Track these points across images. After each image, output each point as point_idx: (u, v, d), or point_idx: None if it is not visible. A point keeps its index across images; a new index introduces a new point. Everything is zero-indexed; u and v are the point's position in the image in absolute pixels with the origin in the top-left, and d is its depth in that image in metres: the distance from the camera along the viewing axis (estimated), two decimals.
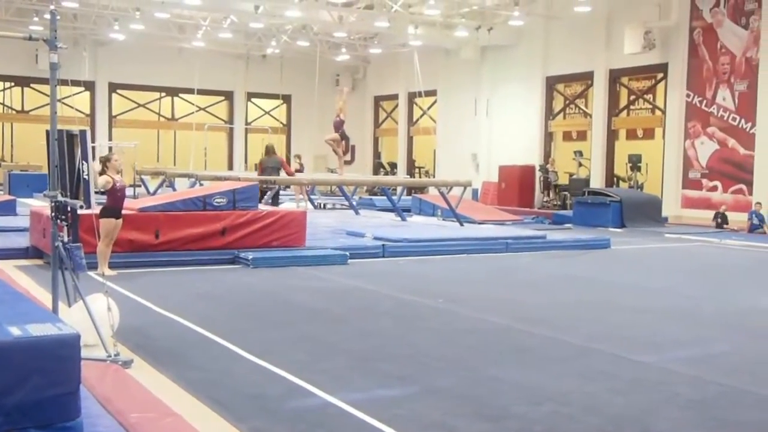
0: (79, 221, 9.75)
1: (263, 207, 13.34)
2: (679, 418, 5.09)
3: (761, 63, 20.77)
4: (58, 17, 6.27)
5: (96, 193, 7.30)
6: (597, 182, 24.80)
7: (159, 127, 33.97)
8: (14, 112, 31.35)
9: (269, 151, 18.12)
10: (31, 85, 30.33)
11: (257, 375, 5.87)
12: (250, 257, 11.51)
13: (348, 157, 30.68)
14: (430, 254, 13.55)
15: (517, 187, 26.59)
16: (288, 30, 28.76)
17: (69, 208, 6.25)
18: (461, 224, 16.90)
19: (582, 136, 27.10)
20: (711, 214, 21.15)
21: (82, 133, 6.65)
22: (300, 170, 22.38)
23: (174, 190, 20.21)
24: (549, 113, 27.43)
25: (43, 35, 6.19)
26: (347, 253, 12.40)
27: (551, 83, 27.23)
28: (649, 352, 6.85)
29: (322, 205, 23.64)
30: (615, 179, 25.26)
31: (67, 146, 6.57)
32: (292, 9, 24.59)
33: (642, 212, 20.82)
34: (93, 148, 12.24)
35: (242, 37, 30.81)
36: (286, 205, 19.29)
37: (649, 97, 25.00)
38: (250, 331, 7.39)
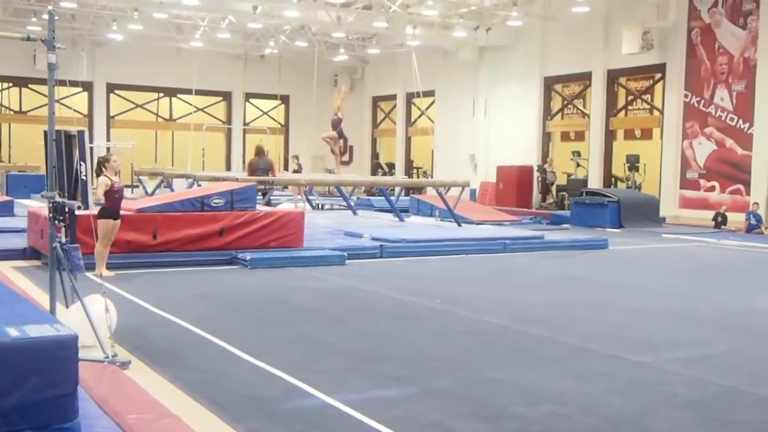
0: (76, 222, 9.76)
1: (262, 207, 13.34)
2: (677, 418, 5.09)
3: (759, 63, 20.80)
4: (56, 18, 6.27)
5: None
6: (595, 182, 24.82)
7: (157, 127, 33.95)
8: (12, 112, 31.32)
9: (260, 151, 18.11)
10: (29, 85, 30.30)
11: (255, 376, 5.87)
12: (248, 258, 11.50)
13: (346, 158, 30.74)
14: (427, 255, 13.55)
15: (515, 188, 26.60)
16: (286, 30, 28.76)
17: (67, 209, 6.24)
18: (459, 225, 16.91)
19: (580, 136, 27.12)
20: (708, 214, 21.18)
21: (80, 133, 6.66)
22: (298, 171, 22.40)
23: (172, 190, 20.21)
24: (547, 113, 27.45)
25: (41, 36, 6.18)
26: (345, 254, 12.40)
27: (549, 83, 27.25)
28: (646, 352, 6.85)
29: (320, 206, 23.64)
30: (613, 179, 25.29)
31: (65, 147, 6.58)
32: (291, 9, 24.59)
33: (640, 212, 20.83)
34: (91, 148, 12.25)
35: (240, 37, 30.81)
36: (284, 206, 19.30)
37: (647, 97, 25.03)
38: (247, 332, 7.39)
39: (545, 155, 27.26)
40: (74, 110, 27.30)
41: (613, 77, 25.15)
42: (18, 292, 7.06)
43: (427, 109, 32.14)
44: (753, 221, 19.51)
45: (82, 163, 6.52)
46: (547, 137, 27.54)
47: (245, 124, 34.83)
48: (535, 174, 27.01)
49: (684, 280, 11.86)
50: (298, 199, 20.94)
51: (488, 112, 28.93)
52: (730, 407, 5.38)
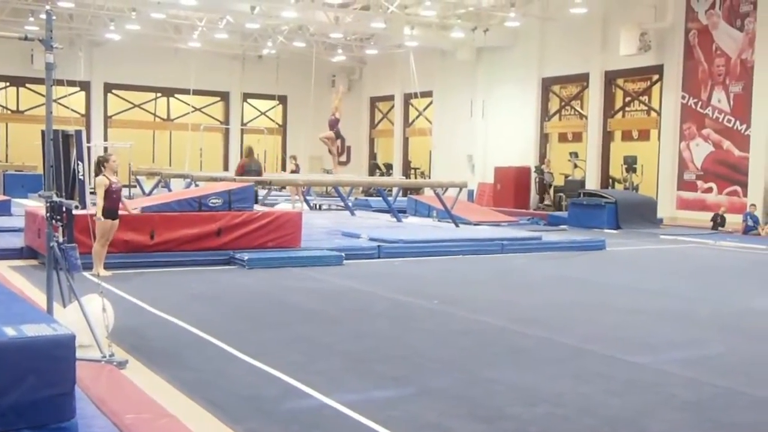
0: (74, 221, 9.74)
1: (258, 207, 13.34)
2: (675, 419, 5.10)
3: (756, 65, 20.83)
4: (54, 17, 6.26)
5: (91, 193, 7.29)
6: (592, 183, 24.84)
7: (154, 127, 33.92)
8: (9, 112, 31.27)
9: (250, 153, 18.11)
10: (27, 85, 30.24)
11: (252, 376, 5.87)
12: (246, 258, 11.50)
13: (343, 158, 30.74)
14: (425, 255, 13.55)
15: (512, 189, 26.61)
16: (284, 31, 28.75)
17: (64, 209, 6.24)
18: (457, 225, 16.91)
19: (577, 137, 27.13)
20: (706, 215, 21.21)
21: (78, 133, 6.65)
22: (296, 171, 22.39)
23: (169, 190, 20.19)
24: (545, 114, 27.47)
25: (38, 35, 6.18)
26: (343, 254, 12.40)
27: (547, 84, 27.27)
28: (644, 353, 6.86)
29: (317, 206, 23.63)
30: (610, 181, 25.30)
31: (62, 146, 6.57)
32: (288, 10, 24.58)
33: (637, 214, 20.84)
34: (88, 148, 12.24)
35: (238, 37, 30.80)
36: (282, 206, 19.29)
37: (645, 98, 25.05)
38: (245, 332, 7.38)
39: (543, 156, 27.27)
40: (72, 110, 27.31)
41: (610, 78, 25.18)
42: (15, 292, 7.06)
43: (424, 109, 32.15)
44: (750, 222, 19.53)
45: (79, 162, 6.51)
46: (544, 138, 27.56)
47: (243, 124, 34.79)
48: (533, 175, 27.03)
49: (681, 281, 11.87)
50: (295, 199, 20.94)
51: (486, 112, 28.94)
52: (727, 408, 5.38)
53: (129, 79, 31.67)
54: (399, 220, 17.93)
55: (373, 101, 35.92)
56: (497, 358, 6.69)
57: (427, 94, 30.06)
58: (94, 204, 10.05)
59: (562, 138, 28.19)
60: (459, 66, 29.11)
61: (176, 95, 33.15)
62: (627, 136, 26.64)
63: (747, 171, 21.08)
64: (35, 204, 16.54)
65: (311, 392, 5.42)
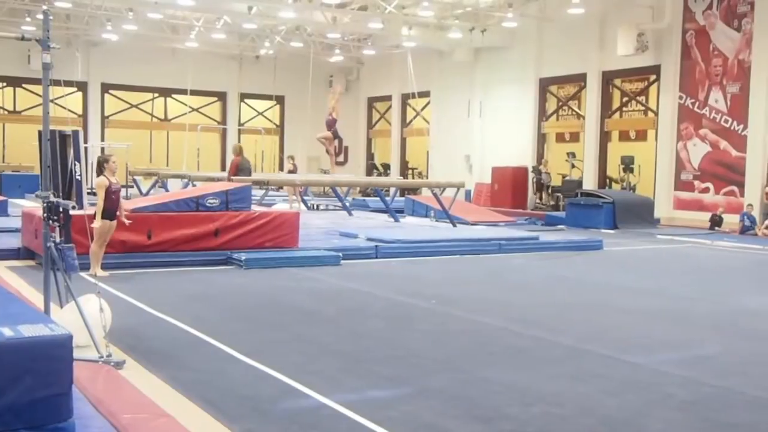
0: (71, 222, 9.73)
1: (256, 207, 13.34)
2: (672, 419, 5.10)
3: (753, 65, 20.85)
4: (51, 17, 6.25)
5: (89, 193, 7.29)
6: (590, 184, 24.85)
7: (152, 127, 33.89)
8: (6, 112, 31.23)
9: (241, 151, 18.11)
10: (23, 85, 30.22)
11: (250, 376, 5.87)
12: (243, 258, 11.49)
13: (341, 158, 30.76)
14: (422, 255, 13.55)
15: (510, 189, 26.62)
16: (281, 31, 28.74)
17: (61, 209, 6.23)
18: (454, 225, 16.92)
19: (575, 137, 27.15)
20: (703, 215, 21.23)
21: (75, 133, 6.65)
22: (293, 171, 22.40)
23: (167, 191, 20.18)
24: (542, 115, 27.48)
25: (35, 35, 6.17)
26: (340, 254, 12.40)
27: (544, 85, 27.28)
28: (641, 353, 6.87)
29: (315, 206, 23.63)
30: (607, 181, 25.32)
31: (59, 147, 6.56)
32: (286, 10, 24.58)
33: (634, 214, 20.86)
34: (85, 148, 12.24)
35: (236, 37, 30.77)
36: (279, 206, 19.29)
37: (642, 98, 25.07)
38: (242, 332, 7.38)
39: (540, 156, 27.29)
40: (69, 110, 27.24)
41: (608, 79, 25.19)
42: (12, 292, 7.06)
43: (422, 109, 32.16)
44: (747, 222, 19.55)
45: (76, 163, 6.51)
46: (542, 138, 27.57)
47: (240, 124, 34.79)
48: (530, 175, 27.04)
49: (678, 281, 11.88)
50: (293, 199, 20.93)
51: (483, 113, 28.95)
52: (724, 408, 5.39)
53: (126, 80, 31.64)
54: (396, 220, 17.94)
55: (371, 101, 35.92)
56: (494, 357, 6.70)
57: (424, 94, 30.05)
58: (93, 204, 10.06)
59: (560, 138, 28.22)
60: (456, 66, 29.12)
61: (173, 95, 33.13)
62: (624, 136, 26.68)
63: (744, 171, 21.10)
64: (32, 204, 16.53)
65: (309, 392, 5.42)
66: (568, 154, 26.40)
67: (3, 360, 3.73)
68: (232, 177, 16.20)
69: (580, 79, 25.93)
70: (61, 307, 6.45)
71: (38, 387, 3.79)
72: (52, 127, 6.33)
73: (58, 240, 6.24)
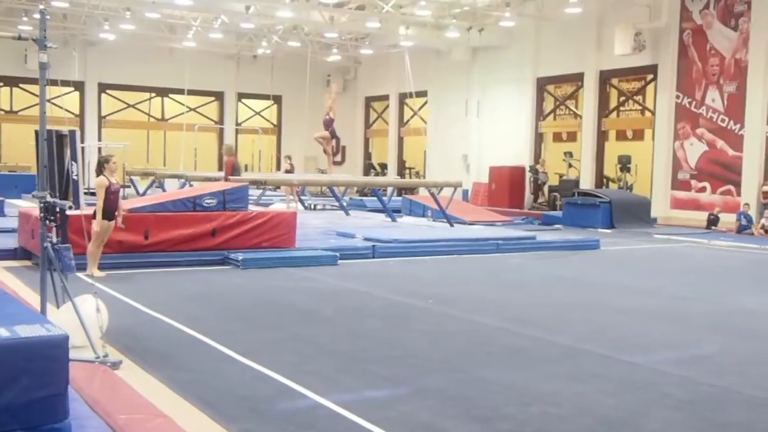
0: (68, 222, 9.73)
1: (254, 208, 13.33)
2: (669, 418, 5.11)
3: (750, 65, 20.88)
4: (48, 17, 6.25)
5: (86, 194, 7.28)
6: (587, 183, 24.87)
7: (149, 127, 33.83)
8: (3, 112, 31.16)
9: (234, 150, 18.12)
10: (20, 85, 30.16)
11: (247, 376, 5.86)
12: (240, 258, 11.49)
13: (338, 158, 30.73)
14: (420, 255, 13.55)
15: (507, 188, 26.63)
16: (279, 30, 28.72)
17: (58, 209, 6.22)
18: (451, 225, 16.91)
19: (572, 137, 27.16)
20: (699, 215, 21.26)
21: (72, 133, 6.64)
22: (290, 171, 22.39)
23: (164, 191, 20.16)
24: (539, 114, 27.49)
25: (32, 35, 6.16)
26: (337, 254, 12.39)
27: (542, 84, 27.29)
28: (638, 352, 6.87)
29: (312, 206, 23.62)
30: (605, 180, 25.34)
31: (56, 147, 6.56)
32: (283, 9, 24.55)
33: (631, 213, 20.88)
34: (82, 148, 12.23)
35: (233, 37, 30.75)
36: (277, 206, 19.27)
37: (639, 98, 25.10)
38: (239, 332, 7.37)
39: (537, 156, 27.31)
40: (66, 110, 27.10)
41: (605, 78, 25.21)
42: (8, 293, 7.04)
43: (419, 109, 32.16)
44: (744, 222, 19.58)
45: (73, 163, 6.50)
46: (539, 138, 27.58)
47: (238, 124, 34.76)
48: (528, 174, 27.06)
49: (675, 281, 11.88)
50: (290, 199, 20.92)
51: (481, 112, 28.96)
52: (721, 407, 5.39)
53: (123, 79, 31.58)
54: (394, 220, 17.93)
55: (368, 101, 35.91)
56: (492, 357, 6.70)
57: (422, 93, 30.09)
58: (91, 205, 10.04)
59: (557, 137, 28.22)
60: (454, 66, 29.13)
61: (171, 95, 33.06)
62: (621, 136, 26.71)
63: (740, 170, 21.13)
64: (29, 204, 16.50)
65: (306, 392, 5.41)
66: (565, 153, 26.42)
67: None
68: (229, 177, 16.18)
69: (577, 79, 25.94)
70: (58, 307, 6.44)
71: (34, 387, 3.79)
72: (49, 127, 6.32)
73: (54, 240, 6.23)
